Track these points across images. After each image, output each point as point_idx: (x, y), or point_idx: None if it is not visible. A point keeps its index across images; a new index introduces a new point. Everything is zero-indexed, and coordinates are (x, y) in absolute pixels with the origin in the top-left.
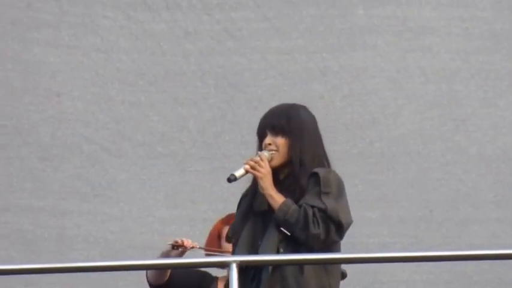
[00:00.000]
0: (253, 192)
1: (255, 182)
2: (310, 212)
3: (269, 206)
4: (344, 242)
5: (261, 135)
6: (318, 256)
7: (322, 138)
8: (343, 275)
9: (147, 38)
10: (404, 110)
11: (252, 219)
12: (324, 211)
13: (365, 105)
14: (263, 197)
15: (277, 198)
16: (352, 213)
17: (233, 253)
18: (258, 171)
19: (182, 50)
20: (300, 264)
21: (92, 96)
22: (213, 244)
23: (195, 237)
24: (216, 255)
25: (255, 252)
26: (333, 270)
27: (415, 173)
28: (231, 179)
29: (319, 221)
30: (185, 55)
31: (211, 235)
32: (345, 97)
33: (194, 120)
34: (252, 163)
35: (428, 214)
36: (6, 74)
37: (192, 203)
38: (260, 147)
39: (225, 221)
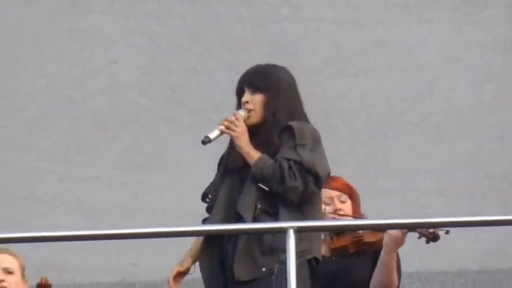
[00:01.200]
0: (228, 150)
1: (231, 140)
2: (285, 165)
3: (244, 162)
4: (402, 211)
5: (239, 94)
6: (373, 222)
7: (302, 100)
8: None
9: (203, 4)
10: (460, 83)
11: (229, 177)
12: (299, 163)
13: (421, 78)
14: (238, 154)
15: (253, 155)
16: (409, 184)
17: (211, 212)
18: (233, 130)
19: (238, 16)
20: (355, 229)
21: (147, 64)
22: None
23: None
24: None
25: (233, 210)
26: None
27: (471, 145)
28: (205, 141)
29: (296, 173)
30: (240, 21)
31: None
32: (400, 70)
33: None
34: (226, 123)
35: (485, 185)
36: (62, 43)
37: None
38: (239, 107)
39: None
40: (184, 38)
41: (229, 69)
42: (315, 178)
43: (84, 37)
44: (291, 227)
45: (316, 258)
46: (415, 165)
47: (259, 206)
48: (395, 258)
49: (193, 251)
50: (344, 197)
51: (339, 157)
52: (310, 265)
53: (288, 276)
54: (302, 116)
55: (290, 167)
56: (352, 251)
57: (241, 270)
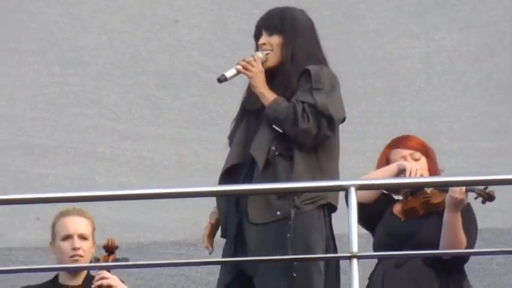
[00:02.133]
0: (247, 92)
1: (249, 83)
2: (299, 107)
3: (262, 104)
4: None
5: (257, 37)
6: (435, 179)
7: (320, 42)
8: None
9: None
10: None
11: (246, 119)
12: (314, 106)
13: (482, 37)
14: (256, 96)
15: (268, 96)
16: (471, 143)
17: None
18: (249, 70)
19: None
20: (416, 187)
21: (208, 24)
22: None
23: None
24: None
25: (247, 150)
26: (327, 168)
27: None
28: (221, 79)
29: (309, 116)
30: None
31: (378, 162)
32: (461, 29)
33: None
34: (243, 63)
35: None
36: (124, 2)
37: None
38: (256, 50)
39: (391, 145)
40: (245, 0)
41: None
42: (329, 121)
43: None
44: (353, 185)
45: (330, 205)
46: (476, 125)
47: (273, 148)
48: (459, 217)
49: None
50: (417, 154)
51: (400, 117)
52: (323, 211)
53: (349, 233)
54: (321, 60)
55: (304, 110)
56: (421, 212)
57: (255, 213)
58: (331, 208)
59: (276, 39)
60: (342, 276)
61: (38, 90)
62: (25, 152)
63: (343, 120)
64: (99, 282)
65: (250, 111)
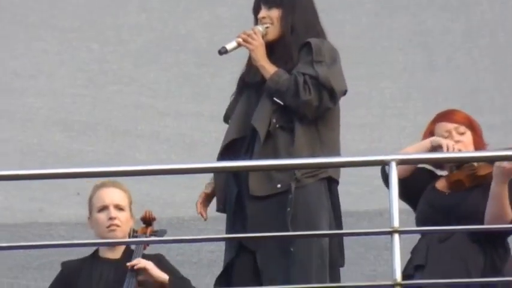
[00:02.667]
0: (247, 65)
1: (250, 56)
2: (300, 79)
3: (262, 77)
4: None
5: (256, 11)
6: (476, 154)
7: (319, 15)
8: None
9: None
10: None
11: (246, 92)
12: (315, 78)
13: None
14: (257, 69)
15: (269, 69)
16: None
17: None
18: (249, 43)
19: None
20: (457, 161)
21: (247, 1)
22: None
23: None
24: None
25: (248, 123)
26: (328, 141)
27: None
28: (222, 51)
29: (311, 87)
30: None
31: (424, 135)
32: (503, 3)
33: (350, 26)
34: (244, 36)
35: None
36: None
37: (349, 108)
38: (256, 24)
39: (435, 119)
40: None
41: (329, 8)
42: (330, 93)
43: None
44: (393, 160)
45: (331, 178)
46: None
47: (274, 120)
48: (506, 190)
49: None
50: (462, 128)
51: (441, 92)
52: (324, 184)
53: (390, 208)
54: (320, 33)
55: (305, 81)
56: (467, 185)
57: (256, 185)
58: (333, 182)
59: (275, 13)
60: (384, 252)
61: (77, 67)
62: (64, 128)
63: (345, 92)
64: (134, 263)
65: (250, 85)
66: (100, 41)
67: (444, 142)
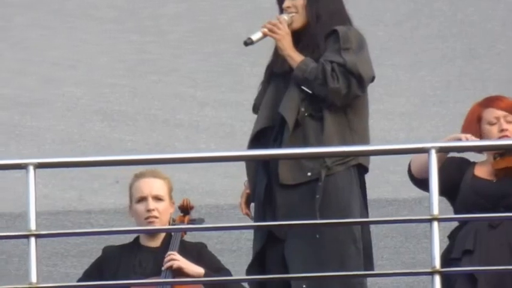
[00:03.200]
0: (275, 55)
1: (276, 45)
2: (328, 67)
3: (290, 67)
4: None
5: (281, 1)
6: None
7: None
8: None
9: None
10: None
11: (274, 81)
12: (343, 65)
13: None
14: (284, 59)
15: (296, 58)
16: None
17: (257, 115)
18: (275, 33)
19: None
20: (499, 149)
21: None
22: (471, 128)
23: (397, 132)
24: None
25: (277, 113)
26: (358, 128)
27: None
28: (248, 42)
29: (339, 75)
30: None
31: (468, 120)
32: None
33: (390, 14)
34: (269, 26)
35: None
36: None
37: (389, 97)
38: (280, 13)
39: (483, 104)
40: None
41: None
42: (358, 80)
43: None
44: (433, 147)
45: (361, 165)
46: None
47: (302, 109)
48: None
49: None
50: (511, 117)
51: (480, 80)
52: (354, 171)
53: (430, 195)
54: (346, 20)
55: (333, 69)
56: None
57: (285, 174)
58: (362, 168)
59: (300, 1)
60: (424, 240)
61: (116, 57)
62: (104, 118)
63: (373, 79)
64: (169, 264)
65: (278, 74)
66: (139, 31)
67: (463, 138)
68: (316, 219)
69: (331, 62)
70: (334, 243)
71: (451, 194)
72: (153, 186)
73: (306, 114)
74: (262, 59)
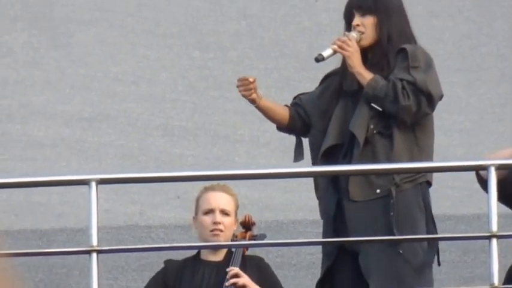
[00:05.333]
0: (343, 73)
1: (344, 62)
2: (399, 84)
3: (359, 85)
4: None
5: (348, 17)
6: None
7: (408, 18)
8: None
9: None
10: None
11: (342, 99)
12: (413, 83)
13: None
14: (353, 77)
15: (365, 75)
16: None
17: (323, 130)
18: (345, 50)
19: None
20: None
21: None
22: None
23: (456, 148)
24: None
25: (346, 129)
26: (425, 146)
27: None
28: (319, 58)
29: (409, 93)
30: None
31: None
32: None
33: (449, 33)
34: (339, 43)
35: None
36: None
37: (448, 114)
38: (347, 30)
39: None
40: None
41: (429, 15)
42: (428, 99)
43: None
44: (493, 164)
45: (428, 182)
46: None
47: (371, 126)
48: None
49: (272, 103)
50: None
51: None
52: (422, 188)
53: (488, 212)
54: (412, 38)
55: (403, 87)
56: None
57: (355, 190)
58: (428, 185)
59: (369, 20)
60: (482, 255)
61: (177, 73)
62: (165, 133)
63: (441, 97)
64: (233, 281)
65: (346, 93)
66: (201, 47)
67: None
68: (386, 235)
69: (401, 79)
70: (413, 258)
71: None
72: (221, 200)
73: (375, 131)
74: (321, 74)
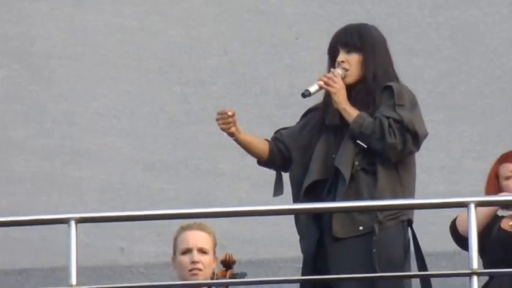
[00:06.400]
0: (325, 107)
1: (326, 97)
2: (385, 122)
3: (341, 120)
4: None
5: (333, 53)
6: None
7: (392, 57)
8: None
9: None
10: None
11: (324, 133)
12: (399, 122)
13: None
14: (335, 112)
15: (351, 112)
16: None
17: (304, 165)
18: (331, 86)
19: (417, 1)
20: None
21: (327, 46)
22: (492, 185)
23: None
24: None
25: (329, 165)
26: (407, 184)
27: None
28: (306, 94)
29: (396, 131)
30: (420, 7)
31: (488, 177)
32: None
33: (429, 71)
34: (325, 79)
35: None
36: (244, 23)
37: (428, 151)
38: (331, 65)
39: (499, 160)
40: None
41: (409, 53)
42: (414, 137)
43: (265, 17)
44: (473, 202)
45: (409, 220)
46: None
47: (356, 163)
48: None
49: (251, 137)
50: None
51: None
52: (404, 226)
53: (469, 249)
54: (394, 76)
55: (390, 125)
56: None
57: (339, 227)
58: (410, 223)
59: (354, 57)
60: None
61: (158, 107)
62: (146, 168)
63: (426, 136)
64: None
65: (328, 127)
66: (181, 82)
67: None
68: (371, 272)
69: (388, 117)
70: None
71: (481, 249)
72: (198, 238)
73: (359, 168)
74: (302, 111)
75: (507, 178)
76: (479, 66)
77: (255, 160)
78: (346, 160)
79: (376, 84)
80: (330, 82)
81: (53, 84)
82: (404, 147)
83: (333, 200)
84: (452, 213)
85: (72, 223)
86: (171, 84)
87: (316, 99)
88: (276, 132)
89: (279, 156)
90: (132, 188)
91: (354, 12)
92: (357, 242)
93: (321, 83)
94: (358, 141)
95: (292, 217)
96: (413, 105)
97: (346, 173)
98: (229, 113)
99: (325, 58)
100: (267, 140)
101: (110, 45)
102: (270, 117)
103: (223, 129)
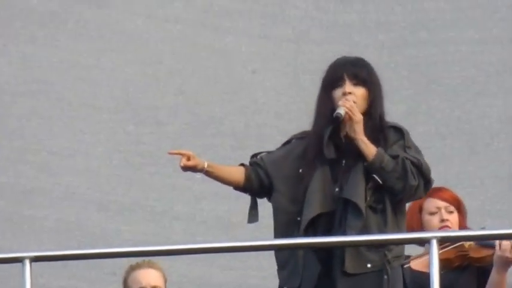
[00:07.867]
0: (319, 139)
1: (320, 128)
2: (408, 163)
3: (338, 154)
4: None
5: (335, 82)
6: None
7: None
8: None
9: (338, 28)
10: None
11: (319, 166)
12: (417, 166)
13: None
14: (332, 146)
15: (369, 145)
16: None
17: (288, 196)
18: (355, 115)
19: (374, 41)
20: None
21: (284, 87)
22: (413, 218)
23: None
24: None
25: (329, 199)
26: (401, 225)
27: None
28: (339, 117)
29: (415, 174)
30: (377, 46)
31: (410, 210)
32: None
33: (388, 112)
34: (348, 105)
35: None
36: (199, 62)
37: None
38: (328, 95)
39: (427, 194)
40: (320, 63)
41: None
42: (426, 183)
43: (220, 56)
44: (435, 237)
45: (402, 265)
46: None
47: (368, 197)
48: (505, 278)
49: (223, 167)
50: (451, 207)
51: (479, 178)
52: (402, 270)
53: (431, 284)
54: (386, 115)
55: (411, 167)
56: (456, 264)
57: (350, 263)
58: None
59: (360, 91)
60: None
61: (113, 147)
62: (100, 208)
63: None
64: None
65: (324, 161)
66: (136, 122)
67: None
68: None
69: (407, 158)
70: None
71: None
72: (150, 276)
73: (367, 204)
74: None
75: (431, 214)
76: (438, 107)
77: (211, 204)
78: (359, 193)
79: (383, 122)
80: (353, 110)
81: (7, 122)
82: (416, 191)
83: (344, 233)
84: (416, 248)
85: (27, 262)
86: (126, 124)
87: (297, 127)
88: (254, 156)
89: (257, 183)
90: (86, 228)
91: (311, 52)
92: (367, 279)
93: (346, 109)
94: (375, 176)
95: (252, 260)
96: (419, 150)
97: (362, 205)
98: (182, 152)
99: (282, 100)
100: (243, 164)
101: (66, 83)
102: (226, 159)
103: (185, 167)
